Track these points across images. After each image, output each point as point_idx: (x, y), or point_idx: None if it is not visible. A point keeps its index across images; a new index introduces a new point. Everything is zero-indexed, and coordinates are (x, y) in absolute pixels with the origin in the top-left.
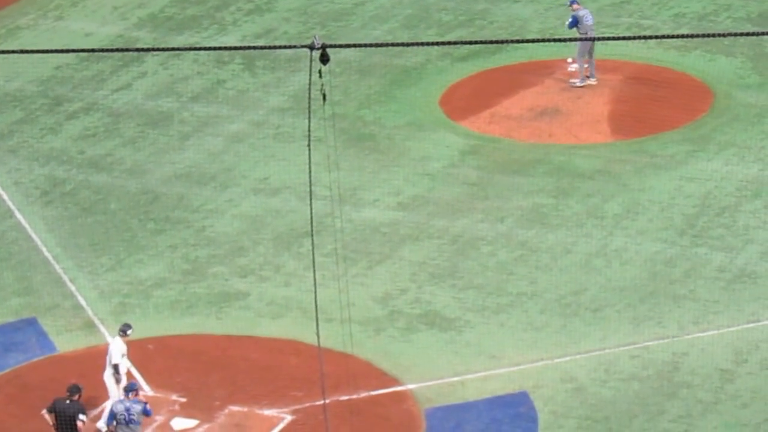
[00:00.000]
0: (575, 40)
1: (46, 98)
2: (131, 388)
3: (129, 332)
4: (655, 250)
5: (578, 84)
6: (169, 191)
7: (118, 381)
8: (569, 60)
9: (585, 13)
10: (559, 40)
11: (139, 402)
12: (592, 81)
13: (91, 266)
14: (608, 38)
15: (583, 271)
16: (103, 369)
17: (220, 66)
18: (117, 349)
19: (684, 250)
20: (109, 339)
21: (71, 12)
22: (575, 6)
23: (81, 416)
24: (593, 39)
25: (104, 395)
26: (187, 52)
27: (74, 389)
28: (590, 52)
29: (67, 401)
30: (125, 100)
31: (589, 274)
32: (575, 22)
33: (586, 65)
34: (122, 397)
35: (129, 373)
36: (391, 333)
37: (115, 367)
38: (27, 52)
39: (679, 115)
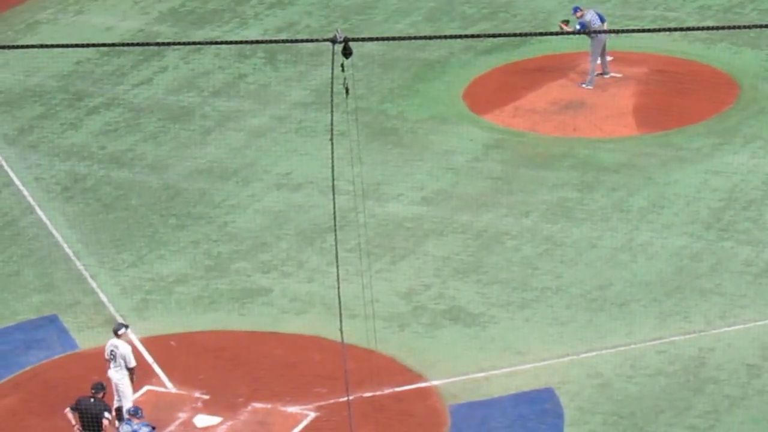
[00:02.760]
0: (600, 32)
1: (67, 93)
2: (134, 412)
3: (121, 331)
4: (681, 244)
5: (586, 86)
6: (191, 186)
7: (132, 381)
8: None
9: (591, 17)
10: (584, 33)
11: (147, 425)
12: (613, 75)
13: (113, 262)
14: (633, 31)
15: (608, 266)
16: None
17: (242, 60)
18: (128, 351)
19: (710, 244)
20: (114, 339)
21: (91, 6)
22: (578, 13)
23: (106, 414)
24: (616, 32)
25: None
26: (209, 46)
27: (98, 387)
28: (602, 53)
29: (92, 399)
30: (146, 95)
31: (614, 269)
32: (583, 29)
33: (598, 62)
34: (127, 418)
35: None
36: (416, 329)
37: (132, 370)
38: (47, 46)
39: (705, 107)
